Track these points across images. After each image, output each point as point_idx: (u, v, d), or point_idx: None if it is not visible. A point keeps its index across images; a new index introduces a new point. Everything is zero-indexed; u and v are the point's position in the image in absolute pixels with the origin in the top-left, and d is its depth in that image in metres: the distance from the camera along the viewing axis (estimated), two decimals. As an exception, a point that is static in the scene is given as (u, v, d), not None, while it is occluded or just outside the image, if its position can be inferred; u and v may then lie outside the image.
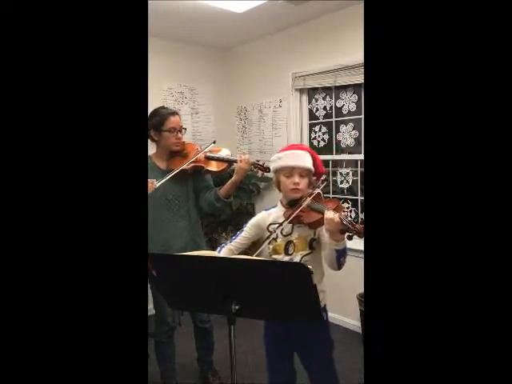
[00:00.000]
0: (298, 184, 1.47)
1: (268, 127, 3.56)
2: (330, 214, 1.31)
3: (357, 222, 1.29)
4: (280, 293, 1.09)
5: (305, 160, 1.51)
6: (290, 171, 1.49)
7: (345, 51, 2.84)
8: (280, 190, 1.56)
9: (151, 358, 2.09)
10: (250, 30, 3.25)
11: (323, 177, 1.57)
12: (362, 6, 3.04)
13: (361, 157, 2.99)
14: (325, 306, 1.57)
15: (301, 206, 1.43)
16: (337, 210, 1.35)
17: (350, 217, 1.30)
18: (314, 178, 1.55)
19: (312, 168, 1.52)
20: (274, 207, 1.60)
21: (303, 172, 1.49)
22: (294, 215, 1.42)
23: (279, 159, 1.54)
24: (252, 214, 3.68)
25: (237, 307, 1.11)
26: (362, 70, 2.73)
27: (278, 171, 1.54)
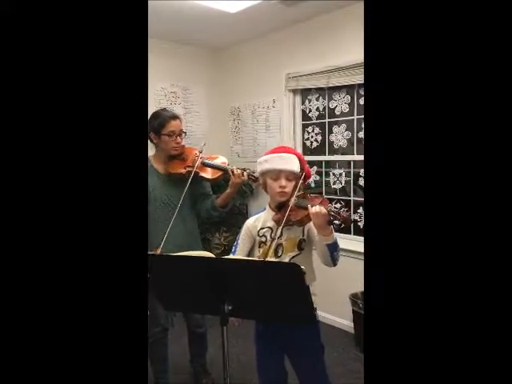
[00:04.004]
0: (284, 187, 1.47)
1: (261, 128, 3.56)
2: (315, 208, 1.31)
3: (342, 210, 1.30)
4: (273, 293, 1.09)
5: (292, 163, 1.49)
6: (276, 174, 1.48)
7: (338, 52, 2.85)
8: (267, 192, 1.56)
9: (144, 358, 2.08)
10: (243, 30, 3.25)
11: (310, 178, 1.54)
12: (356, 6, 3.05)
13: (353, 157, 3.00)
14: (315, 309, 1.55)
15: (288, 206, 1.42)
16: (321, 203, 1.36)
17: (335, 207, 1.32)
18: (302, 181, 1.52)
19: (299, 171, 1.50)
20: (262, 211, 1.60)
21: (290, 175, 1.48)
22: (284, 219, 1.41)
23: (266, 162, 1.52)
24: (245, 215, 3.68)
25: (229, 308, 1.11)
26: (355, 71, 2.74)
27: (264, 174, 1.53)
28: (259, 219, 1.57)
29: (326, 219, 1.29)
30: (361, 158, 2.93)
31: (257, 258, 1.46)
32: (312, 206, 1.33)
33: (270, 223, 1.51)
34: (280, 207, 1.48)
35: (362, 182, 2.97)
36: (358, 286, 2.66)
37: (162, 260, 1.26)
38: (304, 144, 3.35)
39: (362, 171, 2.98)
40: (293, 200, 1.43)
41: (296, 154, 1.55)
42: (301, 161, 1.54)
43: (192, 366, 2.36)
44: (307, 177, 1.56)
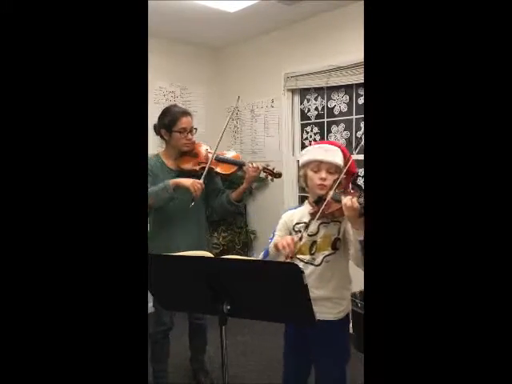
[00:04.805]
0: (324, 180, 1.41)
1: (260, 127, 3.56)
2: (347, 200, 1.24)
3: None
4: (271, 293, 1.09)
5: (334, 155, 1.43)
6: (317, 166, 1.43)
7: (337, 52, 2.85)
8: (307, 185, 1.50)
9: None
10: (242, 29, 3.25)
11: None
12: (354, 6, 3.04)
13: (352, 157, 3.00)
14: (348, 315, 1.52)
15: (325, 200, 1.35)
16: (353, 194, 1.29)
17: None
18: (345, 176, 1.42)
19: (342, 165, 1.43)
20: (300, 206, 1.57)
21: (332, 168, 1.42)
22: (319, 212, 1.35)
23: (307, 153, 1.48)
24: (244, 215, 3.68)
25: (228, 307, 1.11)
26: (354, 71, 2.74)
27: (305, 165, 1.48)
28: (296, 214, 1.53)
29: (357, 212, 1.22)
30: (359, 157, 2.94)
31: (254, 258, 1.45)
32: (345, 197, 1.26)
33: (307, 218, 1.45)
34: (318, 202, 1.40)
35: (360, 181, 2.97)
36: (357, 286, 2.65)
37: (161, 259, 1.26)
38: (303, 144, 3.35)
39: (360, 171, 2.98)
40: (331, 193, 1.35)
41: (341, 148, 1.48)
42: (345, 155, 1.47)
43: (191, 365, 2.36)
44: (351, 172, 1.45)
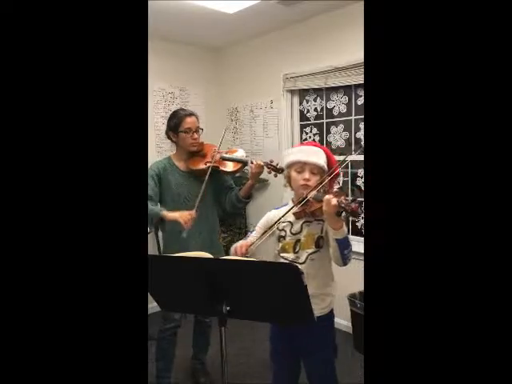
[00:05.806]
0: (308, 180, 1.45)
1: (259, 128, 3.56)
2: (327, 196, 1.28)
3: (353, 202, 1.25)
4: (271, 293, 1.09)
5: (318, 157, 1.48)
6: (301, 166, 1.47)
7: (336, 53, 2.85)
8: (291, 186, 1.54)
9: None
10: (241, 30, 3.25)
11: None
12: (353, 7, 3.05)
13: (351, 158, 3.00)
14: (332, 310, 1.55)
15: (305, 198, 1.39)
16: (337, 195, 1.31)
17: (347, 199, 1.28)
18: (328, 177, 1.47)
19: (325, 166, 1.48)
20: (284, 205, 1.58)
21: (315, 169, 1.47)
22: (297, 210, 1.39)
23: (292, 154, 1.52)
24: (243, 216, 3.68)
25: (228, 308, 1.11)
26: (353, 72, 2.74)
27: (289, 166, 1.52)
28: (280, 213, 1.54)
29: (334, 209, 1.25)
30: (358, 158, 2.94)
31: (254, 259, 1.46)
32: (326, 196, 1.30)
33: (291, 217, 1.48)
34: (301, 201, 1.44)
35: (359, 182, 2.98)
36: (356, 287, 2.66)
37: (160, 260, 1.26)
38: (302, 145, 3.36)
39: (359, 171, 2.99)
40: (313, 193, 1.40)
41: (324, 150, 1.53)
42: (329, 157, 1.52)
43: (192, 363, 2.36)
44: (334, 174, 1.50)
